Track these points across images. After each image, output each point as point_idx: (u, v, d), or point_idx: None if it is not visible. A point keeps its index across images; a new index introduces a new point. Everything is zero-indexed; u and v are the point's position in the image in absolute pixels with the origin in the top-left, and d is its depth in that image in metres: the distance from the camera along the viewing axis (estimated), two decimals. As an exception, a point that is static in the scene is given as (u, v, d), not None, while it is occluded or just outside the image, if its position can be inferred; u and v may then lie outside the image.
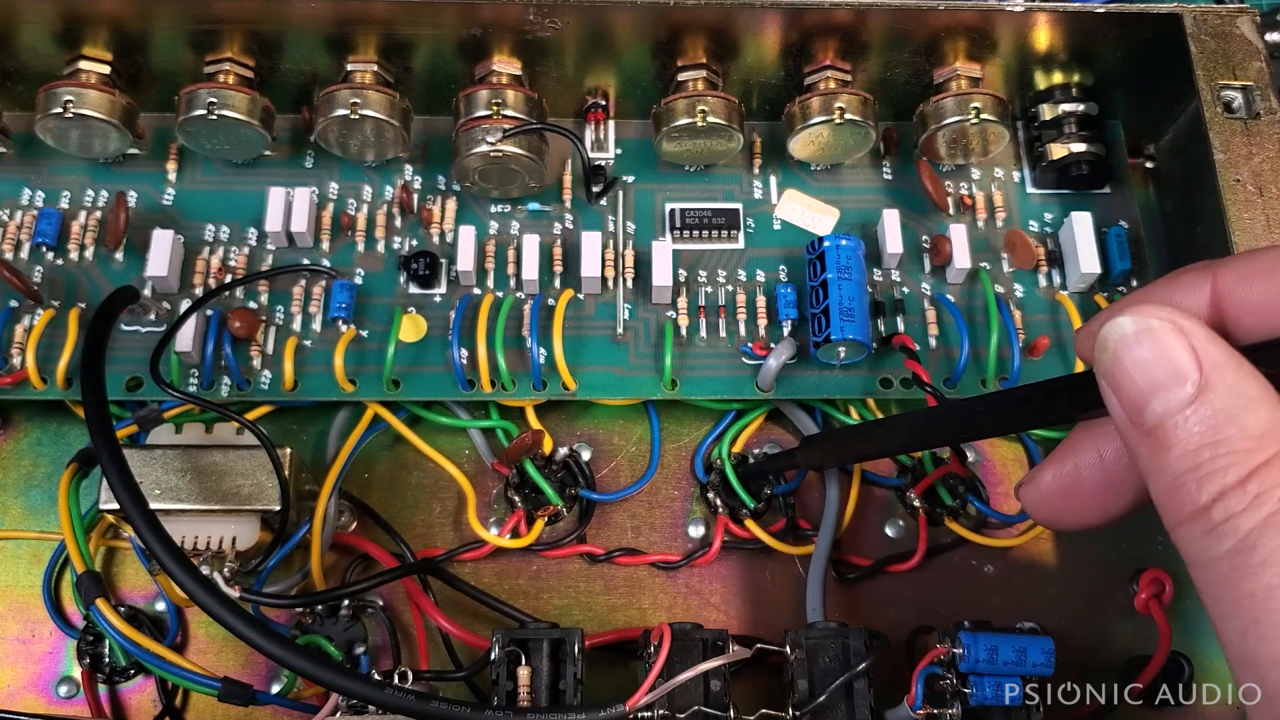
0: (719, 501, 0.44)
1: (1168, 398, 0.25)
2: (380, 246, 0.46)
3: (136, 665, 0.42)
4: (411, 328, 0.44)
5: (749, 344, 0.44)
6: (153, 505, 0.36)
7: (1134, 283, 0.46)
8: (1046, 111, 0.47)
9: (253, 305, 0.44)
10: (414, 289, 0.45)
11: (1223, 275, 0.28)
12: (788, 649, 0.39)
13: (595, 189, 0.46)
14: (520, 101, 0.44)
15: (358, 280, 0.45)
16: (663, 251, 0.44)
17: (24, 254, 0.45)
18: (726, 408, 0.46)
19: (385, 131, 0.44)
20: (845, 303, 0.42)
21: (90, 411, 0.37)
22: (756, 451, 0.46)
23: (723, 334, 0.45)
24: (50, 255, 0.45)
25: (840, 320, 0.42)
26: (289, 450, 0.41)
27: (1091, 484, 0.32)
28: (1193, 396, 0.25)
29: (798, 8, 0.42)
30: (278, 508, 0.41)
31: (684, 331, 0.45)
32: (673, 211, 0.46)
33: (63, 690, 0.43)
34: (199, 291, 0.44)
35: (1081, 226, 0.45)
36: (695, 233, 0.46)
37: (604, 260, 0.45)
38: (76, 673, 0.42)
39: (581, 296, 0.45)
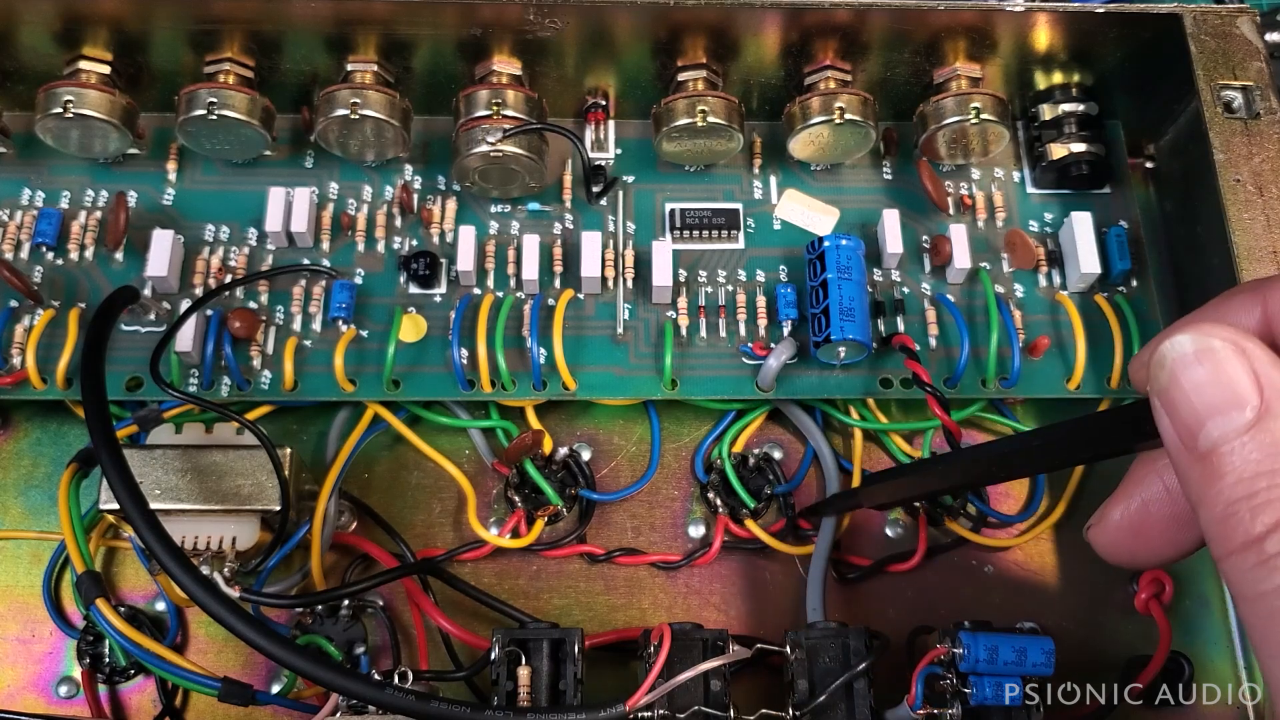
0: (719, 501, 0.44)
1: (1225, 422, 0.24)
2: (380, 246, 0.46)
3: (136, 665, 0.42)
4: (411, 328, 0.44)
5: (749, 344, 0.44)
6: (153, 505, 0.36)
7: (1134, 283, 0.46)
8: (1046, 111, 0.47)
9: (253, 305, 0.44)
10: (414, 289, 0.45)
11: (1276, 296, 0.27)
12: (788, 649, 0.39)
13: (595, 189, 0.46)
14: (520, 101, 0.44)
15: (358, 280, 0.45)
16: (663, 251, 0.44)
17: (24, 254, 0.45)
18: (726, 408, 0.46)
19: (385, 131, 0.44)
20: (845, 303, 0.42)
21: (90, 411, 0.37)
22: (756, 451, 0.46)
23: (723, 334, 0.45)
24: (50, 255, 0.45)
25: (840, 320, 0.42)
26: (289, 450, 0.41)
27: (1161, 518, 0.30)
28: (1251, 422, 0.24)
29: (798, 8, 0.42)
30: (278, 508, 0.41)
31: (684, 331, 0.45)
32: (673, 211, 0.46)
33: (63, 690, 0.43)
34: (199, 291, 0.44)
35: (1081, 226, 0.45)
36: (695, 233, 0.46)
37: (604, 260, 0.45)
38: (76, 673, 0.42)
39: (581, 296, 0.45)
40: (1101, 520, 0.32)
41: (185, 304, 0.43)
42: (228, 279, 0.44)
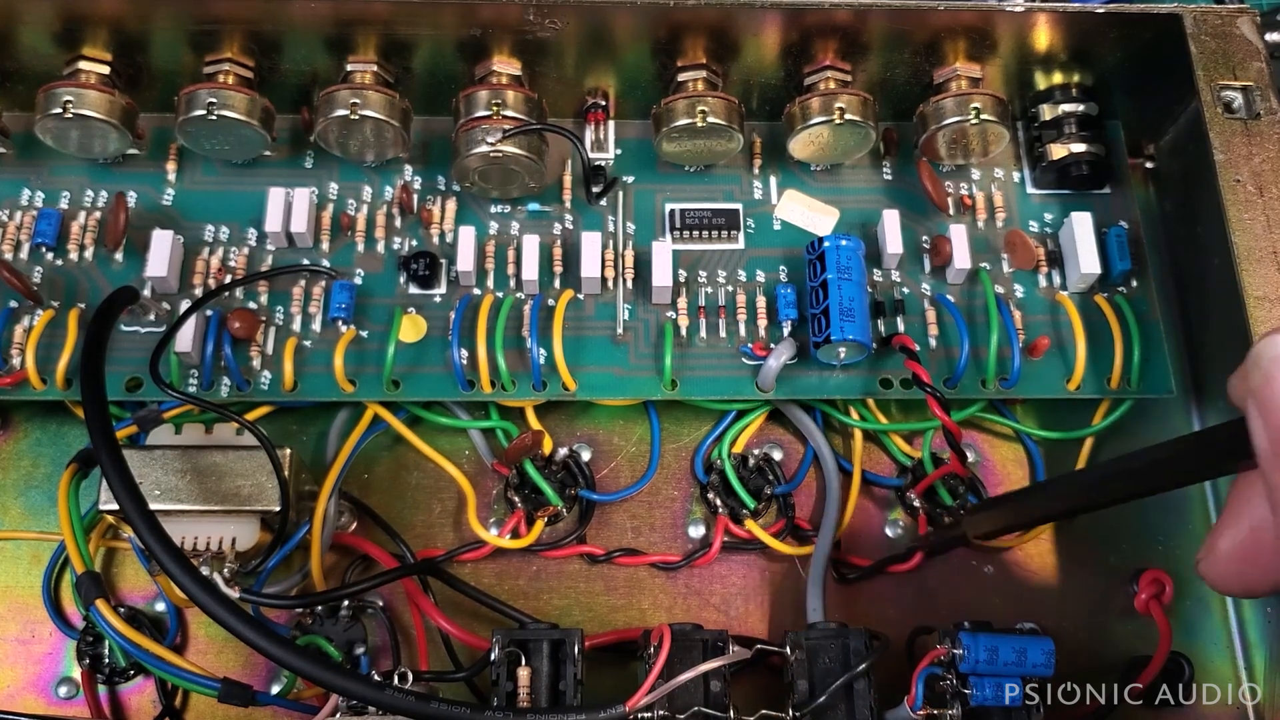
0: (719, 502, 0.44)
1: None
2: (380, 247, 0.46)
3: (136, 666, 0.42)
4: (411, 328, 0.44)
5: (749, 344, 0.44)
6: (152, 506, 0.36)
7: (1134, 283, 0.46)
8: (1046, 112, 0.47)
9: (252, 305, 0.44)
10: (414, 289, 0.45)
11: None
12: (788, 649, 0.39)
13: (595, 189, 0.46)
14: (520, 102, 0.44)
15: (357, 280, 0.45)
16: (663, 252, 0.44)
17: (24, 254, 0.45)
18: (726, 408, 0.46)
19: (385, 132, 0.44)
20: (845, 303, 0.42)
21: (90, 412, 0.37)
22: (756, 452, 0.46)
23: (723, 334, 0.45)
24: (50, 255, 0.45)
25: (840, 321, 0.42)
26: (289, 451, 0.41)
27: (1273, 541, 0.28)
28: None
29: (798, 8, 0.42)
30: (277, 508, 0.41)
31: (684, 332, 0.45)
32: (673, 212, 0.46)
33: (63, 691, 0.43)
34: (199, 292, 0.44)
35: (1081, 227, 0.45)
36: (695, 233, 0.46)
37: (604, 260, 0.45)
38: (76, 673, 0.42)
39: (581, 297, 0.45)
40: (1210, 552, 0.30)
41: (185, 304, 0.43)
42: (227, 279, 0.44)
